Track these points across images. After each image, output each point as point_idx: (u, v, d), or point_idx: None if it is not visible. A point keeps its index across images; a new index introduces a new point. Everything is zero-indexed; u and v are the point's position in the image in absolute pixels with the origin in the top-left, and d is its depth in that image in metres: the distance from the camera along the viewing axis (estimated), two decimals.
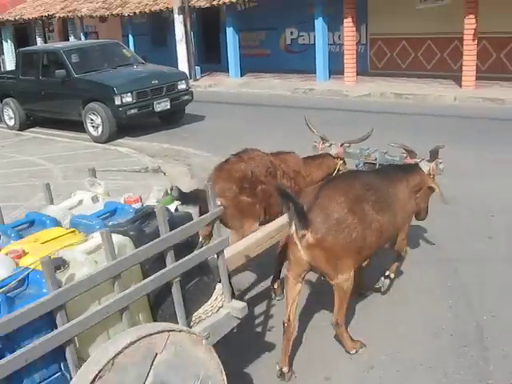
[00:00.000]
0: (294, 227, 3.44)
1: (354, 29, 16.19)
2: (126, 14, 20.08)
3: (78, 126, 11.49)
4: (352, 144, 5.02)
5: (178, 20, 18.32)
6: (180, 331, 2.69)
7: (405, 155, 4.69)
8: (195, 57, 18.88)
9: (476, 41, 14.14)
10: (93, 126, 11.10)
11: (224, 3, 17.58)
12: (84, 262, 2.68)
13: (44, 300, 2.41)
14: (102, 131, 10.98)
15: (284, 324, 3.61)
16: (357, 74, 16.11)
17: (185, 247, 3.01)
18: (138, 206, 3.31)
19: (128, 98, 10.92)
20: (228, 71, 18.72)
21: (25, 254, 2.83)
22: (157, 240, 2.84)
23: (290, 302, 3.61)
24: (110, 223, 3.06)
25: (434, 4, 14.59)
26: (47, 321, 2.48)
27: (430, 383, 3.54)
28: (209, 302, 3.18)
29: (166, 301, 2.97)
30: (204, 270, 3.15)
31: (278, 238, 3.71)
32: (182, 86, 11.85)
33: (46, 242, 2.96)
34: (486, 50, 15.63)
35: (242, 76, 18.58)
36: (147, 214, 3.08)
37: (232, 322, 3.22)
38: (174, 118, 12.15)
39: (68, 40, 22.81)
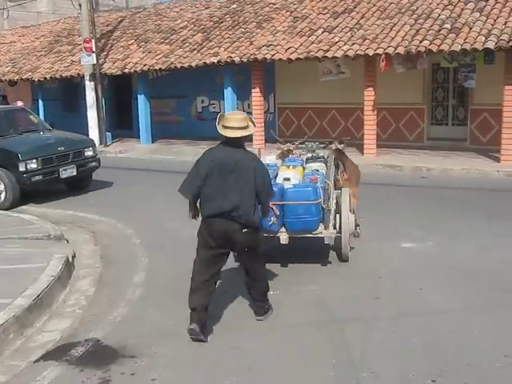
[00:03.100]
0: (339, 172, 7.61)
1: (262, 98, 16.91)
2: (36, 79, 20.05)
3: None
4: (299, 144, 8.30)
5: (90, 86, 18.47)
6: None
7: (329, 144, 8.12)
8: (106, 123, 18.98)
9: (376, 111, 15.08)
10: None
11: (135, 71, 17.94)
12: (315, 166, 7.14)
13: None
14: (5, 197, 10.77)
15: None
16: (265, 142, 16.67)
17: None
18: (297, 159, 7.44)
19: (33, 165, 10.83)
20: (139, 137, 18.92)
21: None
22: (332, 160, 7.37)
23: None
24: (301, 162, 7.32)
25: (336, 77, 15.40)
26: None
27: None
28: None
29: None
30: None
31: None
32: (89, 152, 11.88)
33: (291, 170, 6.89)
34: (386, 119, 16.64)
35: (153, 142, 18.82)
36: (316, 158, 7.53)
37: None
38: (80, 185, 12.11)
39: None
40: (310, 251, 7.29)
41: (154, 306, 5.93)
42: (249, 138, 19.58)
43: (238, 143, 5.07)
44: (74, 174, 11.50)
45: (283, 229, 6.50)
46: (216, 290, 5.28)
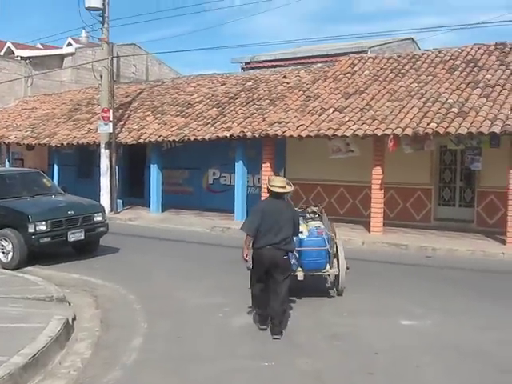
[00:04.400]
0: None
1: (272, 173, 17.10)
2: (54, 145, 20.57)
3: None
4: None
5: (104, 154, 18.93)
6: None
7: (306, 208, 9.72)
8: (118, 190, 19.31)
9: (383, 190, 15.21)
10: (3, 252, 11.05)
11: (150, 141, 18.40)
12: (315, 224, 8.88)
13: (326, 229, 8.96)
14: (12, 257, 10.94)
15: None
16: None
17: None
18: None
19: (42, 227, 11.03)
20: (150, 206, 19.17)
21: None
22: (326, 219, 9.45)
23: None
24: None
25: (345, 155, 15.66)
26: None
27: None
28: None
29: None
30: None
31: None
32: (98, 217, 12.09)
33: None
34: (393, 198, 16.80)
35: (162, 211, 19.05)
36: (314, 217, 9.25)
37: None
38: (87, 249, 12.26)
39: None
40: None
41: (149, 370, 5.93)
42: None
43: (280, 196, 7.30)
44: (82, 237, 11.66)
45: (299, 269, 8.34)
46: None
